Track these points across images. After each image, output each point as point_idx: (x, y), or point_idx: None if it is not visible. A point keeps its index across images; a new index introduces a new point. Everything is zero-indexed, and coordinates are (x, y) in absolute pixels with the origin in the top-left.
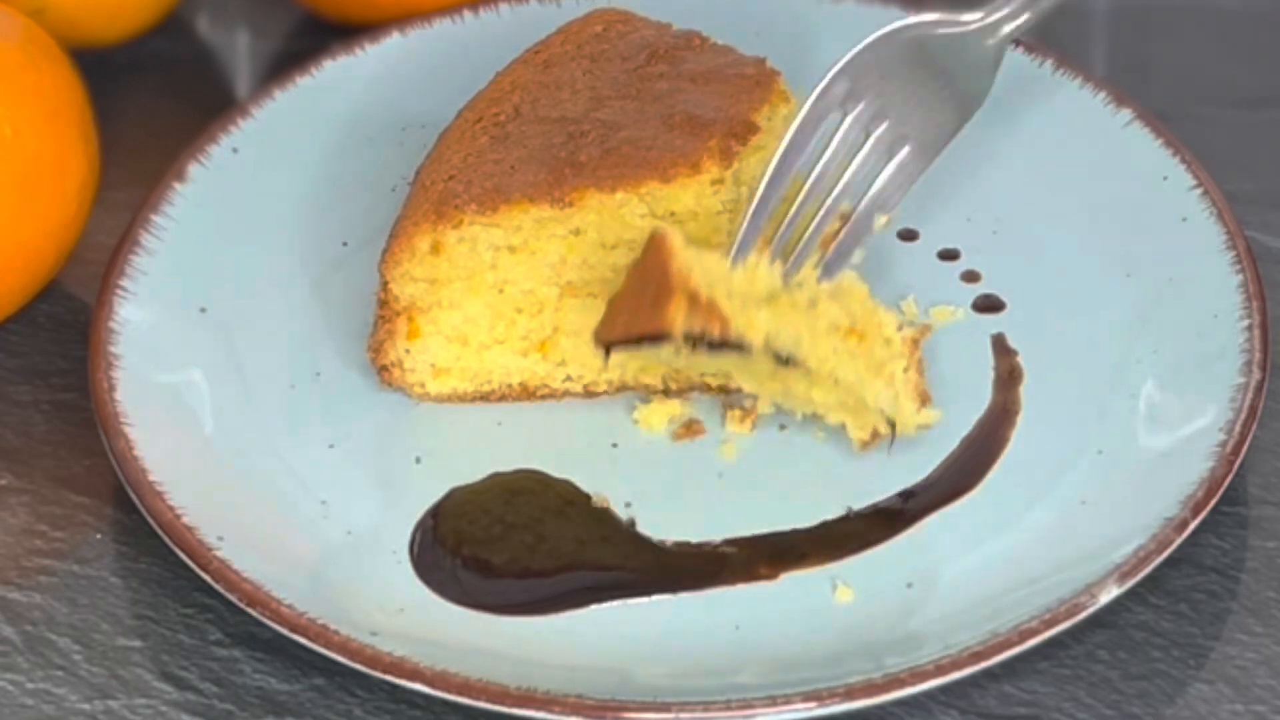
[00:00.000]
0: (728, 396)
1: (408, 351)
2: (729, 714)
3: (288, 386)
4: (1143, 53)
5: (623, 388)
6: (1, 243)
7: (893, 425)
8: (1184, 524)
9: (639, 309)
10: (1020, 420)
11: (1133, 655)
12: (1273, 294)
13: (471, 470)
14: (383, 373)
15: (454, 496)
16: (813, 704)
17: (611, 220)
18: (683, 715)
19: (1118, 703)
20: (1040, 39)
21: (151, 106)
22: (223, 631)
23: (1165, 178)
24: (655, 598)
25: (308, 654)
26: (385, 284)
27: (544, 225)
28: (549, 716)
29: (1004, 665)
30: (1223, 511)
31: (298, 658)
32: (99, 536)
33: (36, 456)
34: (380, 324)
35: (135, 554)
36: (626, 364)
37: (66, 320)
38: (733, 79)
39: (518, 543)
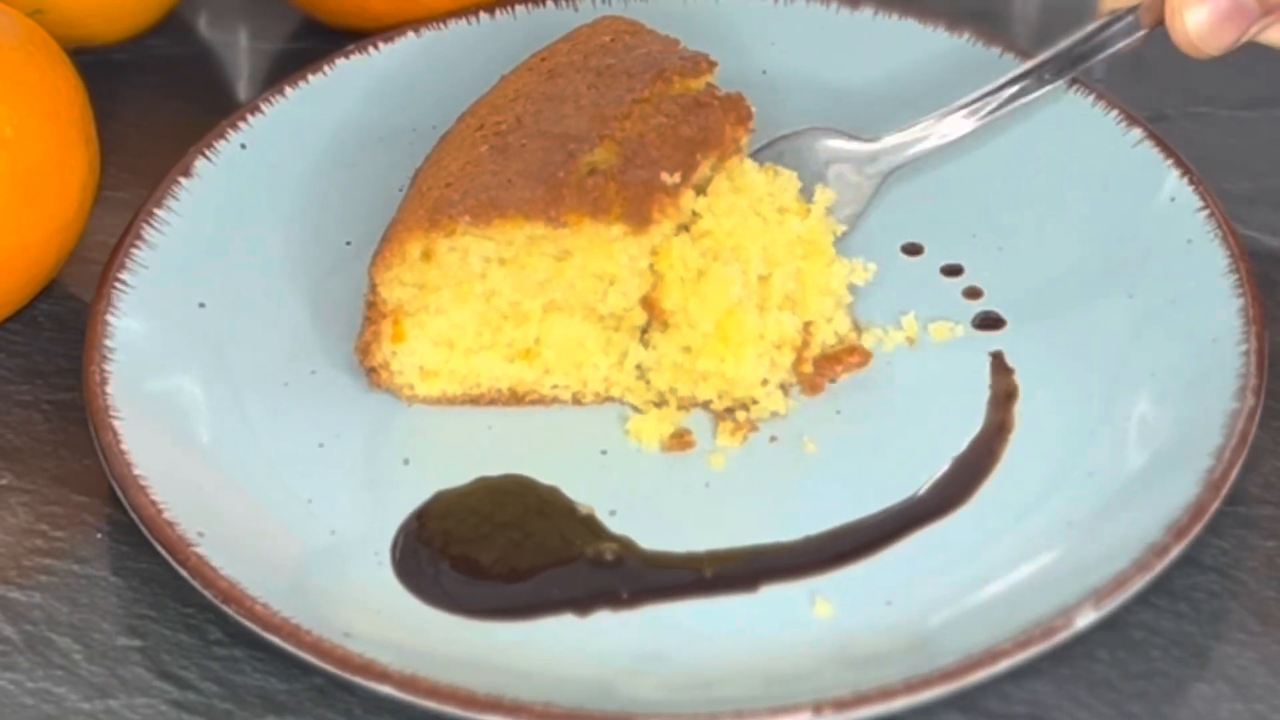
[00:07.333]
0: (720, 410)
1: (394, 354)
2: None
3: (281, 384)
4: (1142, 53)
5: (608, 400)
6: (1, 243)
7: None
8: (1165, 549)
9: None
10: (1013, 439)
11: (1133, 655)
12: (1273, 293)
13: (459, 474)
14: (371, 374)
15: (438, 499)
16: (779, 718)
17: (601, 252)
18: None
19: (1118, 702)
20: (1042, 48)
21: (151, 106)
22: (223, 631)
23: (1173, 199)
24: (633, 607)
25: None
26: (374, 286)
27: (535, 243)
28: None
29: None
30: (1223, 511)
31: (298, 657)
32: (99, 536)
33: (36, 456)
34: (366, 325)
35: (135, 554)
36: (613, 379)
37: (66, 320)
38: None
39: (504, 540)
